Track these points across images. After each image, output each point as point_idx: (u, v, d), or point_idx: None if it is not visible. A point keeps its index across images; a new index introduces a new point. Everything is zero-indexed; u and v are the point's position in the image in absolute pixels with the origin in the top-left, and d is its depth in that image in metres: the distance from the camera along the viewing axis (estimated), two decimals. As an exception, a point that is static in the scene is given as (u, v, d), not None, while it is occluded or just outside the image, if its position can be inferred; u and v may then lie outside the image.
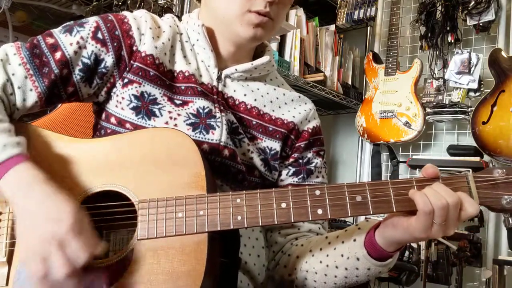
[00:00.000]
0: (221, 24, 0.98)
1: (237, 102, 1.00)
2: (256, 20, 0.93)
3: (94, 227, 0.77)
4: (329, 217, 0.74)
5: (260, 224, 0.75)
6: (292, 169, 1.04)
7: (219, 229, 0.75)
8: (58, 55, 0.87)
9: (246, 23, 0.93)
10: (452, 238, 2.17)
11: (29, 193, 0.73)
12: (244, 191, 0.77)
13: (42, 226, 0.71)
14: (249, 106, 1.00)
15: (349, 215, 0.74)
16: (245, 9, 0.92)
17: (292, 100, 1.07)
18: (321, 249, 0.92)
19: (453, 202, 0.71)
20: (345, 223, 2.79)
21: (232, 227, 0.75)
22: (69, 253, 0.69)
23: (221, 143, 0.92)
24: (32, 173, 0.75)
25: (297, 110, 1.06)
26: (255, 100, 1.01)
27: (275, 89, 1.05)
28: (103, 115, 0.95)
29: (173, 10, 2.10)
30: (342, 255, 0.87)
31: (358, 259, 0.84)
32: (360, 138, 2.84)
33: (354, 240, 0.85)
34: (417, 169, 2.50)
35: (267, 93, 1.04)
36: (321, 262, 0.90)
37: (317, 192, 0.75)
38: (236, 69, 0.99)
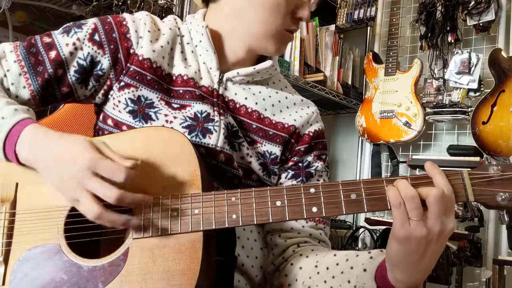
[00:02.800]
0: (246, 35, 0.99)
1: (237, 106, 0.99)
2: (289, 39, 0.99)
3: (88, 227, 0.77)
4: (324, 215, 0.74)
5: (255, 223, 0.75)
6: (291, 172, 1.03)
7: (214, 227, 0.75)
8: (53, 54, 0.88)
9: (280, 40, 0.98)
10: (452, 238, 2.17)
11: (47, 143, 0.75)
12: (239, 190, 0.77)
13: (68, 167, 0.71)
14: (249, 110, 1.00)
15: (344, 213, 0.74)
16: (284, 27, 0.97)
17: (295, 104, 1.06)
18: (327, 268, 0.87)
19: (433, 194, 0.67)
20: (345, 223, 2.79)
21: (227, 226, 0.75)
22: (106, 175, 0.70)
23: (217, 148, 0.92)
24: (43, 129, 0.77)
25: (298, 113, 1.05)
26: (256, 103, 1.01)
27: (277, 93, 1.04)
28: (101, 117, 0.96)
29: (173, 10, 2.10)
30: (349, 282, 0.82)
31: None
32: (360, 138, 2.83)
33: (365, 270, 0.80)
34: (417, 169, 2.49)
35: (269, 97, 1.03)
36: (325, 282, 0.86)
37: (312, 190, 0.75)
38: (238, 73, 0.99)
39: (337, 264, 0.86)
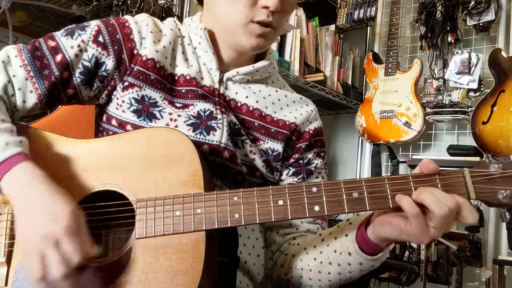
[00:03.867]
0: (223, 31, 0.98)
1: (239, 104, 1.00)
2: (259, 31, 0.93)
3: (92, 227, 0.77)
4: (326, 213, 0.74)
5: (258, 222, 0.75)
6: (292, 170, 1.05)
7: (216, 227, 0.75)
8: (59, 57, 0.88)
9: (248, 33, 0.93)
10: (452, 238, 2.17)
11: (29, 192, 0.74)
12: (241, 189, 0.77)
13: (39, 224, 0.71)
14: (251, 108, 1.01)
15: (346, 211, 0.74)
16: (248, 19, 0.92)
17: (294, 102, 1.07)
18: (315, 246, 0.92)
19: (452, 206, 0.70)
20: (345, 223, 2.79)
21: (229, 225, 0.75)
22: (63, 253, 0.70)
23: (221, 145, 0.93)
24: (33, 173, 0.75)
25: (298, 111, 1.06)
26: (257, 102, 1.02)
27: (276, 91, 1.06)
28: (104, 117, 0.96)
29: (173, 10, 2.10)
30: (335, 251, 0.87)
31: (350, 254, 0.84)
32: (360, 138, 2.84)
33: (346, 235, 0.85)
34: (417, 169, 2.49)
35: (269, 95, 1.04)
36: (315, 259, 0.91)
37: (314, 189, 0.75)
38: (237, 72, 1.00)
39: (323, 240, 0.91)
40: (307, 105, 1.09)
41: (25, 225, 0.73)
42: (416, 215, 0.71)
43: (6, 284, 0.77)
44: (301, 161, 1.05)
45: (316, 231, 1.04)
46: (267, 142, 1.01)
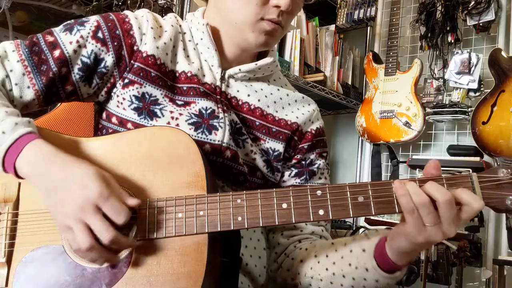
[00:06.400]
0: (230, 28, 0.97)
1: (240, 103, 0.99)
2: (269, 28, 0.93)
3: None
4: (331, 217, 0.74)
5: (261, 225, 0.75)
6: (295, 170, 1.04)
7: (219, 229, 0.75)
8: (57, 53, 0.87)
9: (258, 30, 0.93)
10: (452, 238, 2.16)
11: (50, 165, 0.73)
12: (244, 191, 0.76)
13: (71, 196, 0.70)
14: (252, 107, 1.00)
15: (351, 215, 0.73)
16: (258, 17, 0.92)
17: (296, 101, 1.07)
18: (327, 256, 0.90)
19: (445, 200, 0.68)
20: (345, 223, 2.79)
21: (232, 228, 0.75)
22: (107, 215, 0.70)
23: (224, 144, 0.92)
24: (48, 147, 0.75)
25: (300, 111, 1.05)
26: (259, 100, 1.01)
27: (278, 90, 1.05)
28: (104, 115, 0.95)
29: (173, 10, 2.10)
30: (350, 264, 0.85)
31: (367, 269, 0.82)
32: (360, 138, 2.83)
33: (363, 250, 0.83)
34: (417, 169, 2.49)
35: (271, 94, 1.03)
36: (327, 269, 0.89)
37: (319, 193, 0.75)
38: (240, 69, 0.99)
39: (336, 251, 0.90)
40: (309, 105, 1.09)
41: (57, 201, 0.72)
42: (410, 211, 0.70)
43: (6, 285, 0.77)
44: (303, 162, 1.04)
45: (321, 233, 1.03)
46: (268, 142, 1.00)
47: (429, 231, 0.70)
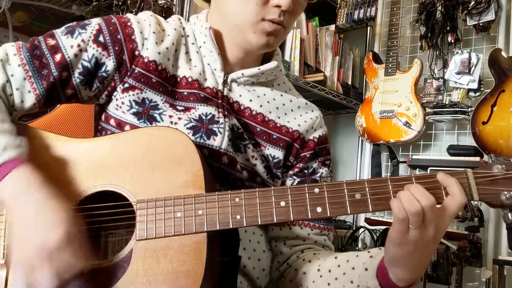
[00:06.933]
0: (232, 30, 0.96)
1: (242, 108, 0.99)
2: (270, 29, 0.92)
3: (91, 228, 0.77)
4: (329, 215, 0.74)
5: (260, 223, 0.75)
6: (297, 179, 1.03)
7: (218, 228, 0.75)
8: (58, 57, 0.87)
9: (259, 31, 0.92)
10: (452, 238, 2.17)
11: (24, 199, 0.73)
12: (243, 190, 0.77)
13: (33, 236, 0.70)
14: (254, 112, 0.99)
15: (349, 212, 0.74)
16: (260, 17, 0.91)
17: (299, 107, 1.05)
18: (329, 270, 0.89)
19: (427, 205, 0.69)
20: (345, 223, 2.79)
21: (231, 227, 0.75)
22: (56, 266, 0.69)
23: (221, 150, 0.91)
24: (30, 177, 0.74)
25: (303, 118, 1.04)
26: (261, 106, 1.00)
27: (281, 95, 1.03)
28: (103, 116, 0.95)
29: (173, 10, 2.10)
30: (351, 282, 0.85)
31: None
32: (360, 138, 2.83)
33: (366, 269, 0.83)
34: (417, 169, 2.49)
35: (274, 99, 1.02)
36: (329, 284, 0.88)
37: (316, 190, 0.75)
38: (242, 74, 0.98)
39: (339, 266, 0.89)
40: (312, 111, 1.07)
41: (19, 234, 0.72)
42: (402, 219, 0.70)
43: (6, 287, 0.76)
44: (306, 171, 1.03)
45: (323, 243, 1.02)
46: (268, 148, 0.99)
47: (410, 233, 0.71)
